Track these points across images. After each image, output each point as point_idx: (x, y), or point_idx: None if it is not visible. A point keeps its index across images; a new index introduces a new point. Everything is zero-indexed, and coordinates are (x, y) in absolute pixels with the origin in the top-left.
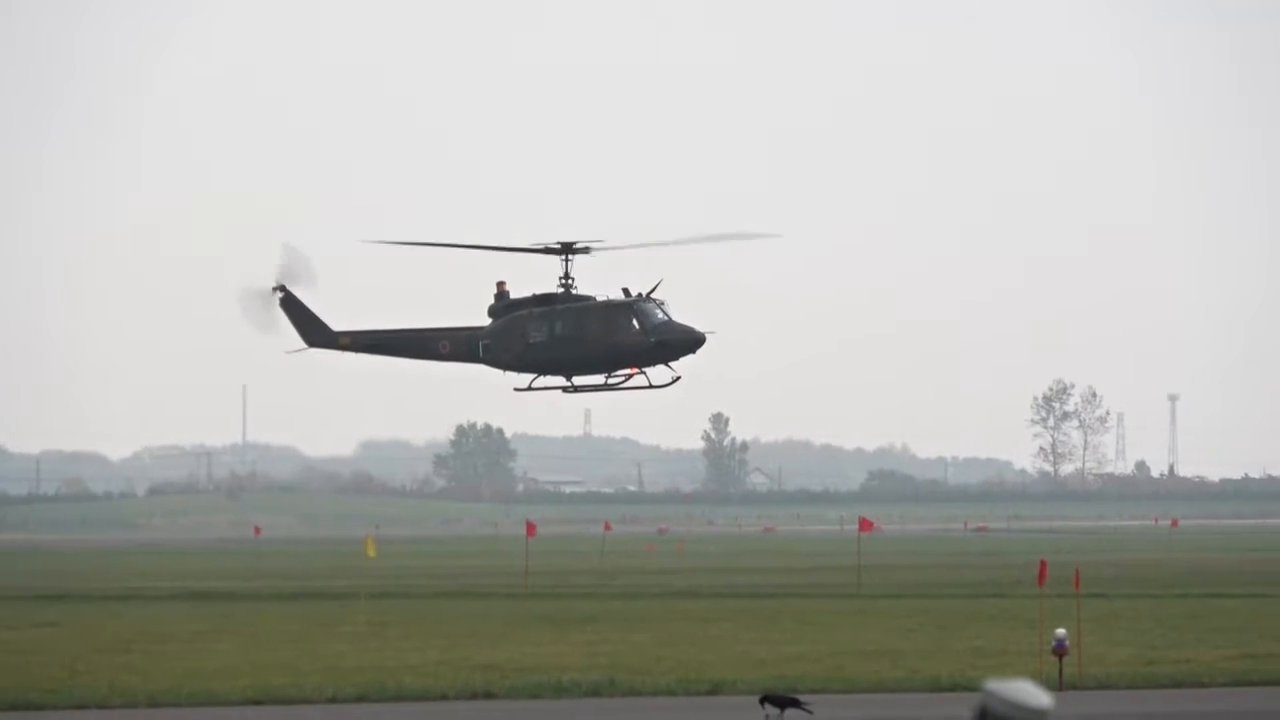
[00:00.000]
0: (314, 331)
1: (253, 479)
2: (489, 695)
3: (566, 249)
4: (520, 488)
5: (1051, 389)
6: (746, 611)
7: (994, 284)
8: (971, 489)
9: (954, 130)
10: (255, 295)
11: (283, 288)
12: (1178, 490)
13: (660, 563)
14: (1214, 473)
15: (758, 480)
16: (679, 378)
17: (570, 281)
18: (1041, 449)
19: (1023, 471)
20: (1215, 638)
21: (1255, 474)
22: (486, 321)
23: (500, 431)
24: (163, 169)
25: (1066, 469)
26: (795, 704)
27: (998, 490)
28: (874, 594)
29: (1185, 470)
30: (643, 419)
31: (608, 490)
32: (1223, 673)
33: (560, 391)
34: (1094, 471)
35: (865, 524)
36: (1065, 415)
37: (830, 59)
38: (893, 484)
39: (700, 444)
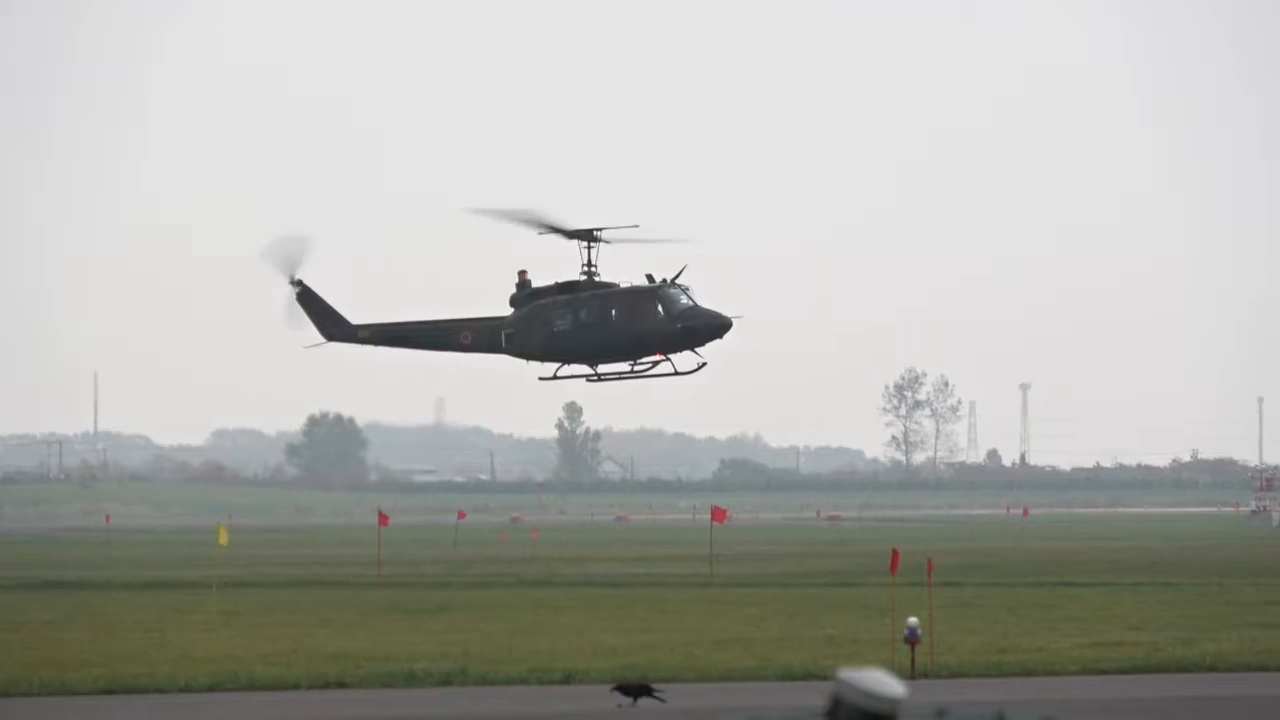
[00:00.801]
0: (332, 325)
1: (104, 468)
2: (341, 684)
3: (587, 235)
4: (373, 477)
5: (903, 378)
6: (599, 600)
7: (847, 275)
8: (824, 478)
9: (801, 122)
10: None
11: (299, 282)
12: (1029, 479)
13: (513, 552)
14: (1065, 461)
15: (610, 469)
16: (705, 364)
17: (593, 269)
18: (894, 438)
19: (875, 460)
20: (1066, 626)
21: (1106, 463)
22: (508, 311)
23: (352, 420)
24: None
25: (918, 458)
26: (648, 692)
27: (850, 479)
28: (726, 583)
29: (1036, 459)
30: (495, 408)
31: (460, 479)
32: (1074, 661)
33: (584, 380)
34: (946, 460)
35: (717, 513)
36: (917, 404)
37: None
38: (745, 473)
39: (553, 433)
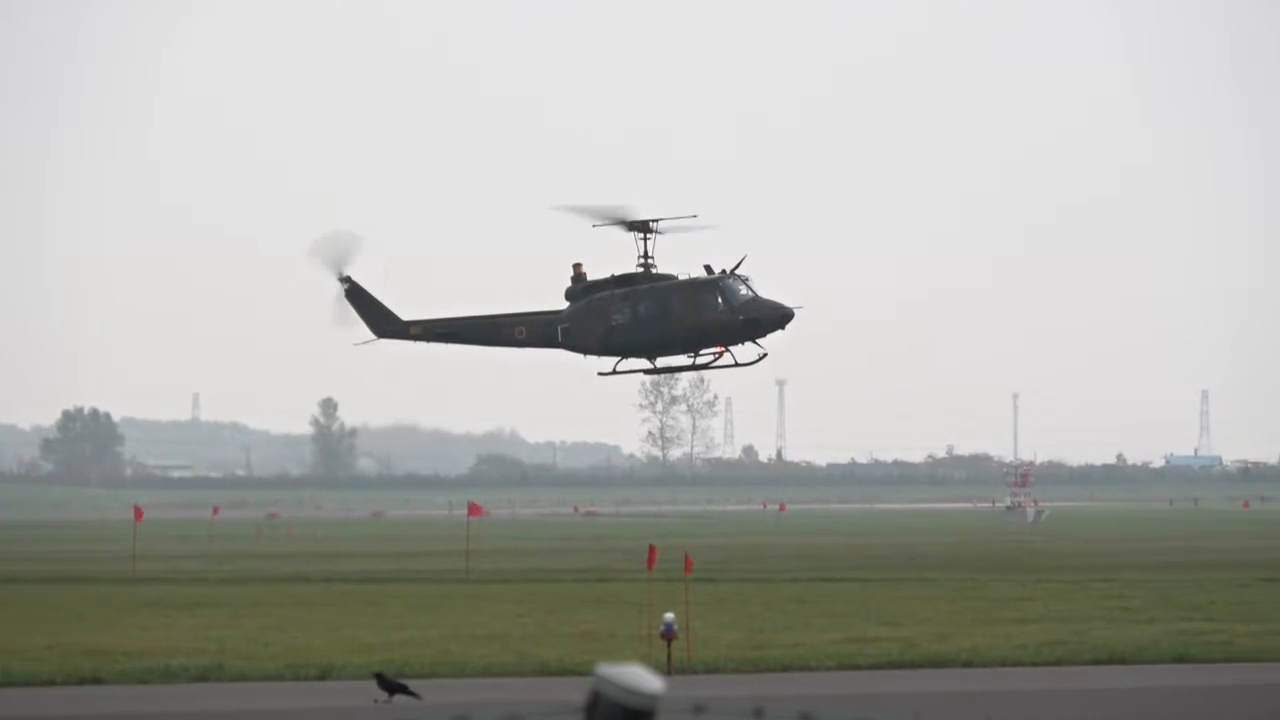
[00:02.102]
0: (382, 321)
1: None
2: (97, 680)
3: (644, 226)
4: (129, 472)
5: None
6: (355, 596)
7: (597, 272)
8: (580, 473)
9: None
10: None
11: (348, 279)
12: (785, 474)
13: (269, 547)
14: (821, 457)
15: (366, 465)
16: (765, 355)
17: (650, 261)
18: (650, 433)
19: (632, 456)
20: (822, 621)
21: (861, 459)
22: (563, 305)
23: (108, 415)
24: None
25: (675, 453)
26: (404, 690)
27: (607, 474)
28: (483, 579)
29: (793, 455)
30: (251, 403)
31: (216, 474)
32: (830, 656)
33: (643, 374)
34: (702, 456)
35: (474, 508)
36: (674, 400)
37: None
38: (501, 468)
39: (309, 429)
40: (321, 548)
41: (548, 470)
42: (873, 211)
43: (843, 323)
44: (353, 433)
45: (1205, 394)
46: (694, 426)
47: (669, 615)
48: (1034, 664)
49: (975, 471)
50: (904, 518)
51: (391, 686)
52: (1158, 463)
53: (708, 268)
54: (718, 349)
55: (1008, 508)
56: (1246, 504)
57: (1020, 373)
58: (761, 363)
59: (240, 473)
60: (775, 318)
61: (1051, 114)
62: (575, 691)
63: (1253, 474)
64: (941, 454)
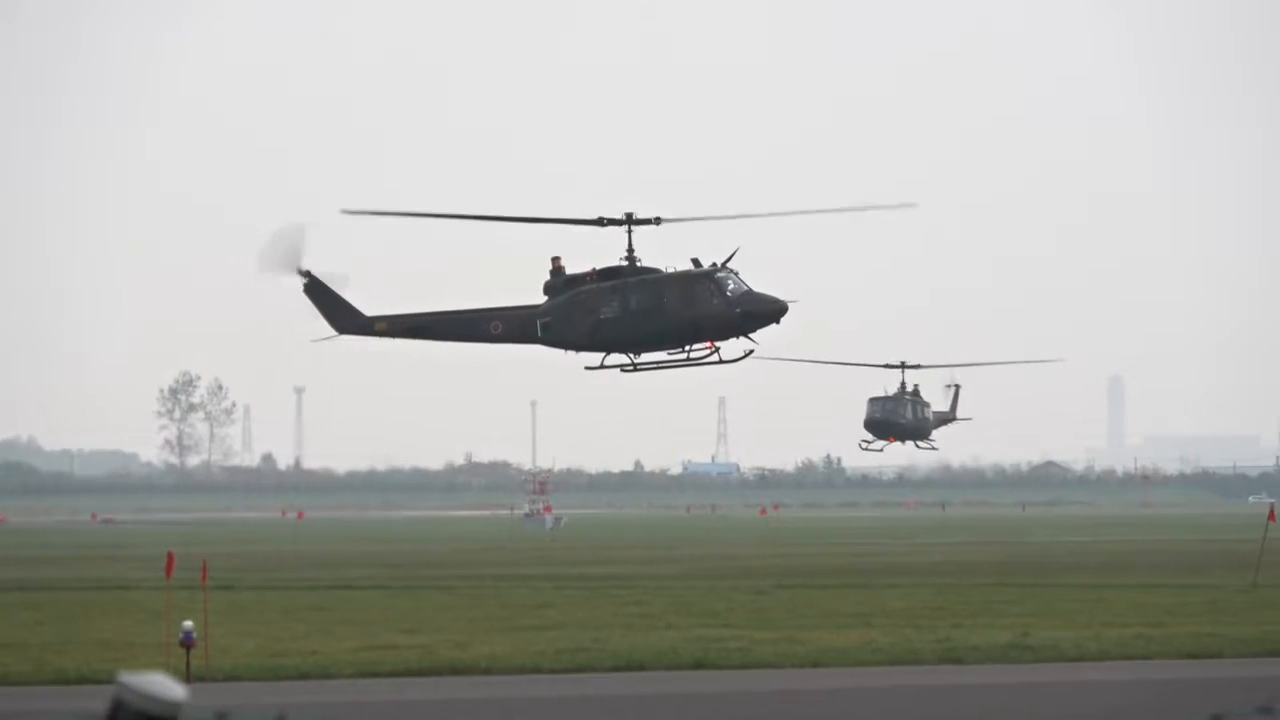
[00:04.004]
0: (344, 317)
1: None
2: None
3: (630, 220)
4: None
5: (178, 381)
6: None
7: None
8: (98, 481)
9: None
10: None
11: (307, 273)
12: (304, 482)
13: None
14: (340, 464)
15: None
16: (752, 351)
17: (634, 254)
18: (168, 441)
19: (149, 464)
20: (342, 629)
21: (380, 466)
22: (541, 300)
23: None
24: None
25: (193, 461)
26: None
27: (124, 482)
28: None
29: (311, 462)
30: None
31: None
32: (349, 664)
33: (619, 371)
34: (221, 464)
35: None
36: (192, 407)
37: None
38: (18, 476)
39: None
40: None
41: (65, 478)
42: None
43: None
44: None
45: (722, 401)
46: (212, 434)
47: (188, 623)
48: (553, 671)
49: (494, 479)
50: (422, 525)
51: None
52: (676, 469)
53: (695, 261)
54: (709, 344)
55: (526, 515)
56: (764, 510)
57: (538, 381)
58: (747, 359)
59: None
60: (771, 311)
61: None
62: (97, 700)
63: (769, 481)
64: (460, 461)
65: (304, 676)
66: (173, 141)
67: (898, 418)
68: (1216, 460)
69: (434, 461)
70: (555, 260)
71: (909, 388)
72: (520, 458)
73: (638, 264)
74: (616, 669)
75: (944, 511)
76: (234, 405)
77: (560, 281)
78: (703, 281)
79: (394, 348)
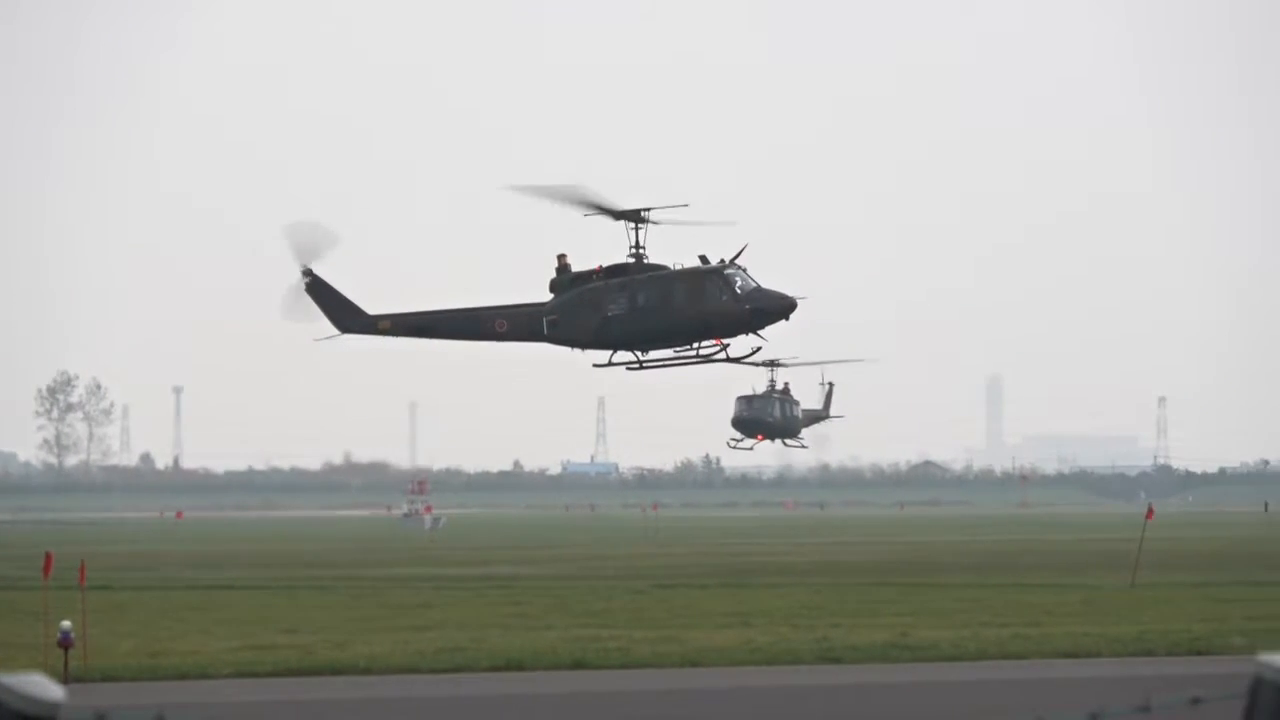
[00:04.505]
0: (346, 316)
1: None
2: None
3: (635, 216)
4: None
5: (56, 380)
6: None
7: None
8: None
9: None
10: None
11: (309, 272)
12: (183, 482)
13: None
14: (218, 464)
15: None
16: (760, 348)
17: (641, 251)
18: (45, 441)
19: (27, 464)
20: (221, 629)
21: (259, 466)
22: (547, 297)
23: None
24: None
25: (72, 461)
26: None
27: (2, 482)
28: None
29: (190, 462)
30: None
31: None
32: (227, 664)
33: (624, 369)
34: (99, 464)
35: None
36: (70, 407)
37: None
38: None
39: None
40: None
41: None
42: None
43: (242, 332)
44: None
45: (601, 400)
46: (90, 434)
47: (66, 623)
48: (432, 671)
49: (373, 478)
50: (301, 524)
51: None
52: (555, 469)
53: (703, 258)
54: (717, 341)
55: (405, 515)
56: (653, 507)
57: (419, 381)
58: (752, 357)
59: None
60: (781, 307)
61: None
62: None
63: (649, 480)
64: (339, 461)
65: (183, 676)
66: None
67: (765, 416)
68: (1095, 460)
69: (313, 461)
70: (561, 257)
71: (779, 386)
72: (399, 458)
73: (644, 261)
74: (495, 669)
75: (822, 511)
76: (112, 405)
77: (566, 279)
78: (712, 278)
79: (272, 347)
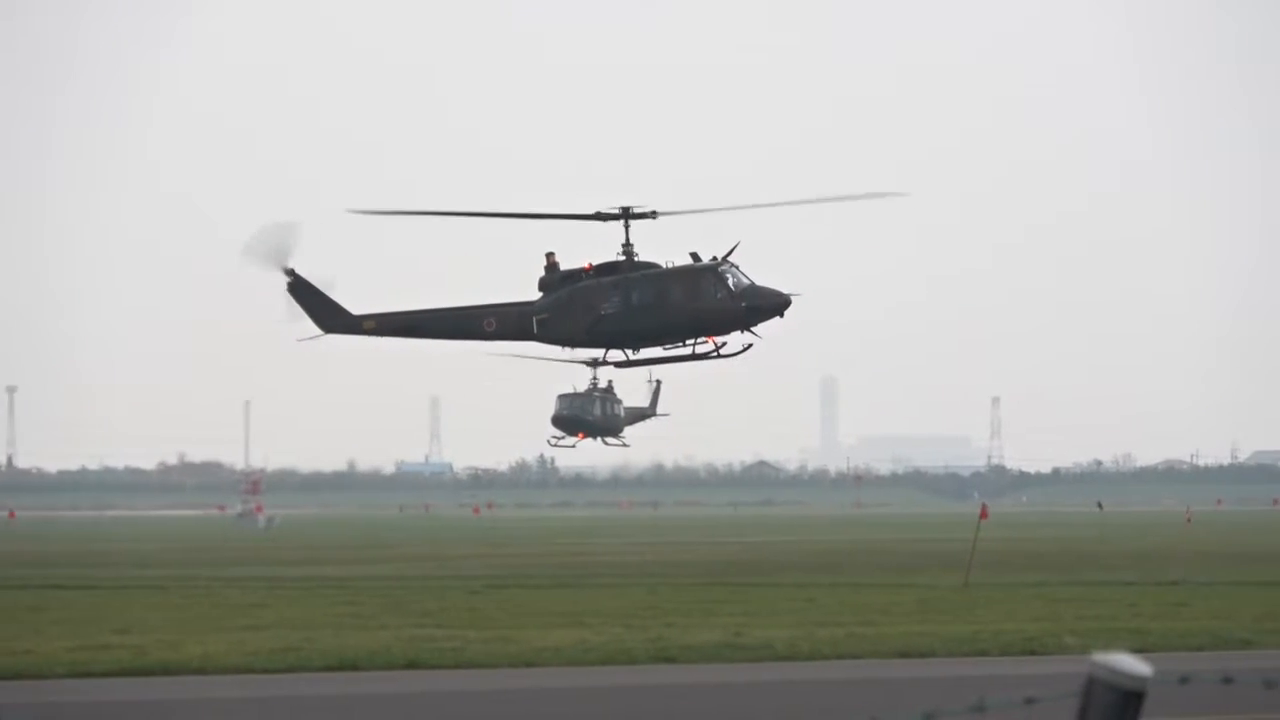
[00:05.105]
0: (330, 316)
1: None
2: None
3: (627, 214)
4: None
5: None
6: None
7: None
8: None
9: None
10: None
11: (291, 271)
12: (16, 481)
13: None
14: (52, 464)
15: None
16: (751, 345)
17: (631, 248)
18: None
19: None
20: (54, 629)
21: (93, 465)
22: (535, 295)
23: None
24: None
25: None
26: None
27: None
28: None
29: (24, 461)
30: None
31: None
32: (62, 664)
33: (614, 367)
34: None
35: None
36: None
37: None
38: None
39: None
40: None
41: None
42: None
43: (75, 331)
44: None
45: (435, 400)
46: None
47: None
48: (266, 670)
49: (207, 478)
50: (136, 525)
51: None
52: (389, 469)
53: (694, 255)
54: (709, 339)
55: (239, 514)
56: (477, 509)
57: (251, 381)
58: (747, 352)
59: None
60: (775, 304)
61: None
62: None
63: (483, 481)
64: (173, 461)
65: (17, 676)
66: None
67: (586, 414)
68: (929, 460)
69: (146, 461)
70: (550, 256)
71: (601, 384)
72: (233, 458)
73: (635, 259)
74: (329, 669)
75: (656, 511)
76: None
77: (556, 277)
78: (707, 275)
79: (106, 343)
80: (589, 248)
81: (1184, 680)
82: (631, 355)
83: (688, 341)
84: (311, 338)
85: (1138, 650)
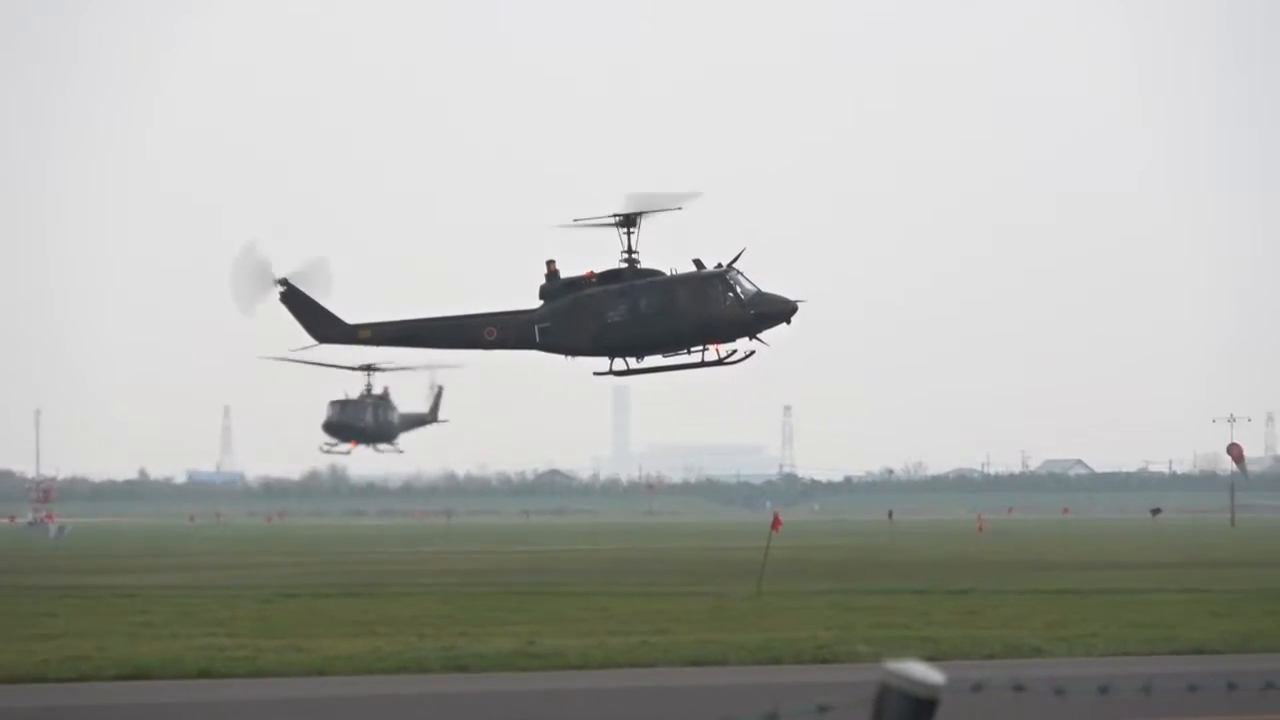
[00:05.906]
0: (324, 326)
1: None
2: None
3: (628, 220)
4: None
5: None
6: None
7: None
8: None
9: None
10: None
11: (284, 281)
12: None
13: None
14: None
15: None
16: (754, 352)
17: (634, 255)
18: None
19: None
20: None
21: None
22: (536, 304)
23: None
24: None
25: None
26: None
27: None
28: None
29: None
30: None
31: None
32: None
33: (613, 376)
34: None
35: None
36: None
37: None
38: None
39: None
40: None
41: None
42: None
43: None
44: None
45: (227, 409)
46: None
47: None
48: (57, 680)
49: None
50: None
51: None
52: (180, 478)
53: (698, 262)
54: (714, 346)
55: (30, 523)
56: (270, 518)
57: (42, 389)
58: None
59: None
60: (782, 311)
61: None
62: None
63: (274, 490)
64: None
65: None
66: None
67: (358, 420)
68: (721, 469)
69: None
70: (550, 264)
71: (377, 390)
72: (24, 466)
73: (638, 266)
74: (121, 678)
75: (449, 520)
76: None
77: (557, 285)
78: (714, 282)
79: None
80: (588, 256)
81: (977, 688)
82: (635, 364)
83: (692, 349)
84: (305, 348)
85: (930, 658)
